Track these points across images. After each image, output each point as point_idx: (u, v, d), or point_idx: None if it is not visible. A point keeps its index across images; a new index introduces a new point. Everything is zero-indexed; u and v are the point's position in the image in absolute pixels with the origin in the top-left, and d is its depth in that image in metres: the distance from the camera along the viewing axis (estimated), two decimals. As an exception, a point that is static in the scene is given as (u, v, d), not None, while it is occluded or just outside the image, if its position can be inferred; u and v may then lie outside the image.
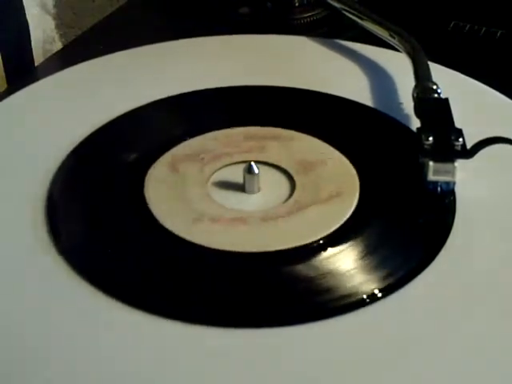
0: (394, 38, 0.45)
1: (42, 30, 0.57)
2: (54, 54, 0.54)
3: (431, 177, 0.35)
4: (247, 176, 0.36)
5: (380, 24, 0.46)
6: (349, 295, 0.31)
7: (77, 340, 0.30)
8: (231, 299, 0.31)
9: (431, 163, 0.35)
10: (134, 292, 0.31)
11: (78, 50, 0.52)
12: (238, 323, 0.30)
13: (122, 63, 0.47)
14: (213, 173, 0.38)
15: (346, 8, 0.49)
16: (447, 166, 0.35)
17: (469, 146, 0.35)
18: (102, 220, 0.35)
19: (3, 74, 0.53)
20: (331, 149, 0.39)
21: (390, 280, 0.32)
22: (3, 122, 0.42)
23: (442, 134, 0.36)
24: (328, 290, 0.31)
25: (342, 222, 0.35)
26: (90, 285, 0.31)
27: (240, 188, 0.37)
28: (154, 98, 0.42)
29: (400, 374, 0.28)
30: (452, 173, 0.35)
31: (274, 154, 0.38)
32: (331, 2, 0.51)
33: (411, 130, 0.39)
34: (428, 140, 0.35)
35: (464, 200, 0.35)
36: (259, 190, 0.37)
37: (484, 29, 0.52)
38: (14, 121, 0.42)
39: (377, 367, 0.29)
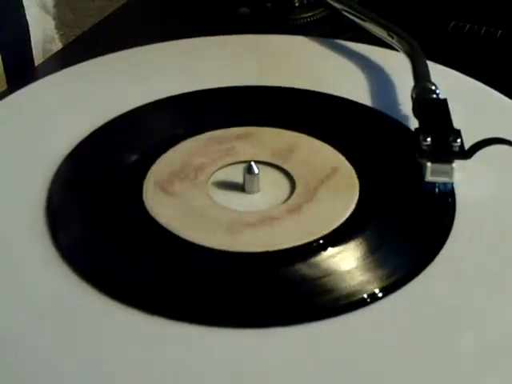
0: (392, 37, 0.45)
1: (42, 30, 0.57)
2: (54, 54, 0.54)
3: (429, 177, 0.35)
4: (247, 176, 0.36)
5: (379, 24, 0.46)
6: (349, 295, 0.31)
7: (76, 340, 0.30)
8: (231, 299, 0.31)
9: (429, 164, 0.35)
10: (133, 292, 0.31)
11: (78, 50, 0.52)
12: (239, 323, 0.30)
13: (121, 63, 0.47)
14: (213, 173, 0.38)
15: (345, 8, 0.49)
16: (445, 166, 0.35)
17: (467, 146, 0.35)
18: (102, 220, 0.35)
19: (3, 74, 0.53)
20: (331, 149, 0.39)
21: (391, 279, 0.32)
22: (3, 122, 0.42)
23: (440, 134, 0.36)
24: (328, 289, 0.31)
25: (341, 221, 0.35)
26: (90, 286, 0.31)
27: (240, 188, 0.37)
28: (153, 98, 0.43)
29: (400, 373, 0.29)
30: (450, 173, 0.35)
31: (273, 154, 0.39)
32: (331, 2, 0.51)
33: (411, 130, 0.39)
34: (426, 140, 0.35)
35: (463, 200, 0.35)
36: (259, 190, 0.37)
37: (484, 29, 0.52)
38: (13, 121, 0.42)
39: (377, 367, 0.29)
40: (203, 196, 0.36)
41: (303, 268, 0.33)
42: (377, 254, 0.33)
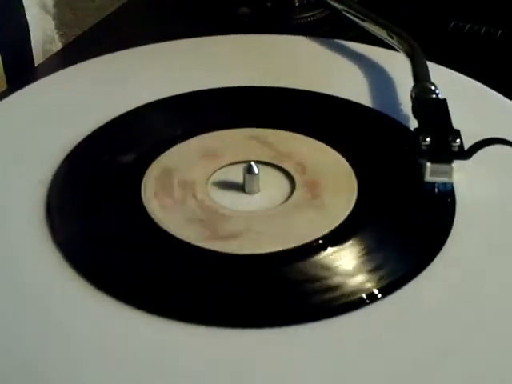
0: (392, 38, 0.45)
1: (42, 30, 0.57)
2: (54, 54, 0.54)
3: (428, 177, 0.35)
4: (247, 176, 0.36)
5: (379, 24, 0.46)
6: (348, 295, 0.31)
7: (76, 340, 0.30)
8: (231, 300, 0.31)
9: (428, 164, 0.35)
10: (133, 292, 0.31)
11: (77, 50, 0.52)
12: (238, 323, 0.30)
13: (122, 63, 0.47)
14: (212, 173, 0.38)
15: (345, 8, 0.49)
16: (444, 166, 0.35)
17: (466, 146, 0.35)
18: (102, 220, 0.35)
19: (3, 74, 0.53)
20: (330, 149, 0.39)
21: (390, 280, 0.32)
22: (3, 122, 0.42)
23: (439, 134, 0.36)
24: (328, 289, 0.31)
25: (341, 221, 0.35)
26: (90, 285, 0.31)
27: (240, 188, 0.37)
28: (153, 98, 0.43)
29: (400, 373, 0.29)
30: (449, 174, 0.35)
31: (273, 154, 0.39)
32: (331, 2, 0.51)
33: (410, 130, 0.39)
34: (425, 141, 0.35)
35: (463, 200, 0.35)
36: (259, 190, 0.37)
37: (484, 29, 0.52)
38: (13, 121, 0.42)
39: (377, 367, 0.29)
40: (203, 196, 0.36)
41: (302, 268, 0.33)
42: (376, 253, 0.33)
